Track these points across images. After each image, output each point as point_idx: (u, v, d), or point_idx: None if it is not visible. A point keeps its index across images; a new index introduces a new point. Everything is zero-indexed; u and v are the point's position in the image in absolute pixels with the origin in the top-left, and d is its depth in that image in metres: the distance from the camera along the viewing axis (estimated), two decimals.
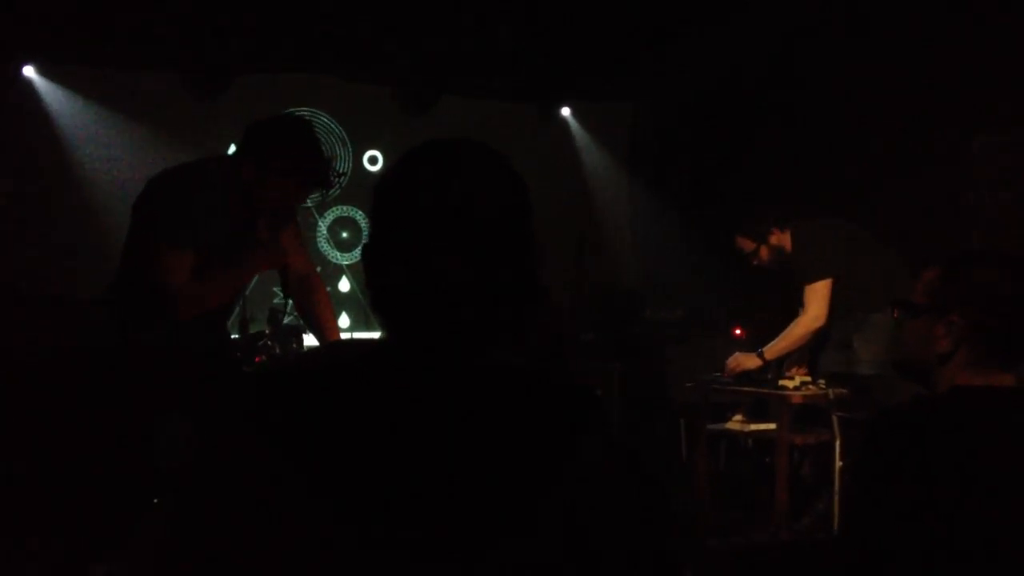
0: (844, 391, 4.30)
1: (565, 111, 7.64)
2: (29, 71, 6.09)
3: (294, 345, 4.54)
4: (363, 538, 1.07)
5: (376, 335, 6.02)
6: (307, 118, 5.22)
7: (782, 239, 4.62)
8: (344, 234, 7.17)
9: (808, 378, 4.50)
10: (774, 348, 4.58)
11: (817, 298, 4.47)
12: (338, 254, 7.14)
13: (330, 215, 7.12)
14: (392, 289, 1.17)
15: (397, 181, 1.19)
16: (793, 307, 4.65)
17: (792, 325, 4.56)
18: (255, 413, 1.14)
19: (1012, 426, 1.72)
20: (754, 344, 4.73)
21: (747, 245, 4.67)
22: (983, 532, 1.64)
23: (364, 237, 7.35)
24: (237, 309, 3.55)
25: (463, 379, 1.16)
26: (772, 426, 4.55)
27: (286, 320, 4.48)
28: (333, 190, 6.55)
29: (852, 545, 1.73)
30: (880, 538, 1.69)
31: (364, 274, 1.20)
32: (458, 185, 1.16)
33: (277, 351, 4.44)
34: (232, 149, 3.94)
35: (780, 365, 4.68)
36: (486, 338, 1.17)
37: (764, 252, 4.64)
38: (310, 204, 6.88)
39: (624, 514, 1.15)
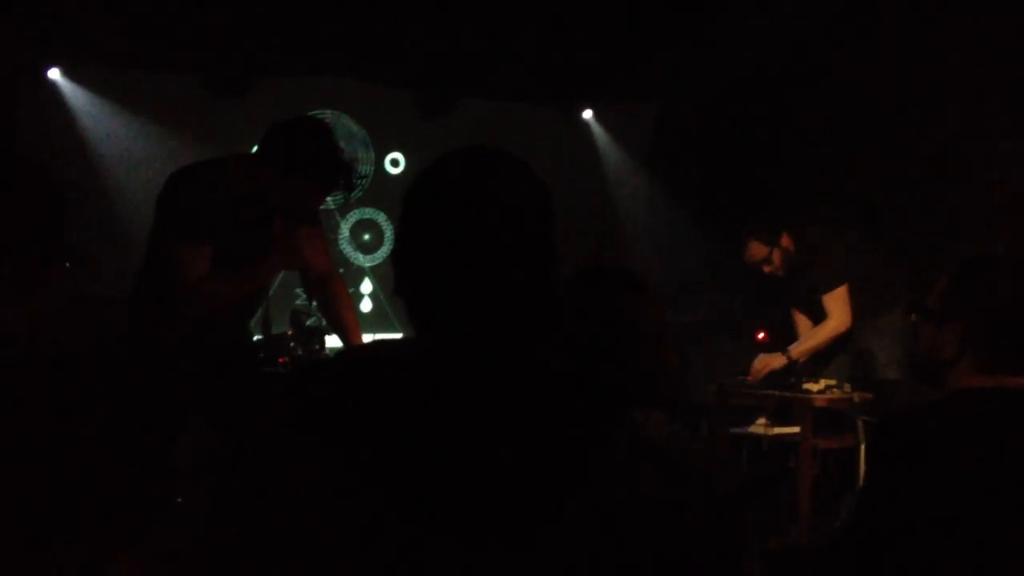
0: (868, 395, 4.27)
1: (587, 114, 7.62)
2: (54, 74, 6.14)
3: (316, 346, 4.55)
4: (406, 530, 1.09)
5: (398, 335, 6.03)
6: (328, 120, 5.23)
7: (790, 243, 4.70)
8: (366, 236, 7.18)
9: (833, 382, 4.47)
10: (800, 348, 4.66)
11: (839, 305, 4.59)
12: (360, 256, 7.15)
13: (352, 217, 7.14)
14: (424, 290, 1.19)
15: (427, 187, 1.21)
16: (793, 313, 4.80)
17: (818, 328, 4.65)
18: (297, 410, 1.16)
19: (1018, 426, 1.74)
20: (777, 349, 4.72)
21: (760, 251, 4.70)
22: (988, 533, 1.66)
23: (387, 240, 7.33)
24: (260, 310, 3.55)
25: (493, 377, 1.17)
26: (796, 430, 4.52)
27: (309, 321, 4.49)
28: (355, 192, 6.56)
29: (859, 545, 1.75)
30: (886, 540, 1.71)
31: (396, 277, 1.23)
32: (488, 190, 1.19)
33: (300, 352, 4.45)
34: (255, 150, 3.95)
35: (804, 368, 4.66)
36: (515, 338, 1.19)
37: (777, 256, 4.68)
38: (332, 206, 6.90)
39: (651, 513, 1.15)
